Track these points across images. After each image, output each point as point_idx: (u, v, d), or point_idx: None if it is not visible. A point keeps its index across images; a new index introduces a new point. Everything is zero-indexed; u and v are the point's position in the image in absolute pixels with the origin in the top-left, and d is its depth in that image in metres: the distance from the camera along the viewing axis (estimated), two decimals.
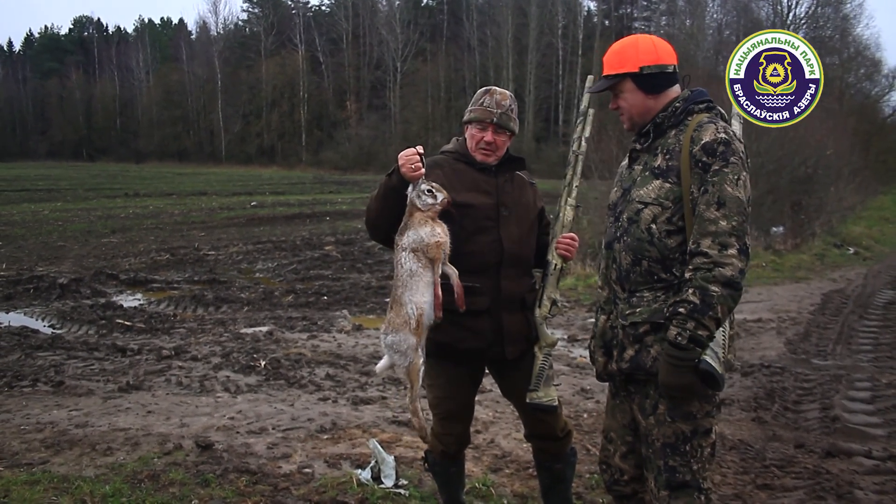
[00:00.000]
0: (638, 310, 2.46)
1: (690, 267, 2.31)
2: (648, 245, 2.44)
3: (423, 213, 2.74)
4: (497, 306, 2.95)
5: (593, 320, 2.73)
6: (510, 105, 3.01)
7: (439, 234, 2.73)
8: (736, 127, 2.48)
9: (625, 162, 2.71)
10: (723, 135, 2.36)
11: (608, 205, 2.68)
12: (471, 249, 2.91)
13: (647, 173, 2.49)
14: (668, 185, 2.42)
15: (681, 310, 2.29)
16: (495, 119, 2.96)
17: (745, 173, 2.35)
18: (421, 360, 2.79)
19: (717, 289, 2.26)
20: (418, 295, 2.74)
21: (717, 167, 2.33)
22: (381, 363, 2.90)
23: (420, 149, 2.78)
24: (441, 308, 2.75)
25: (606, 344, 2.60)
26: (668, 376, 2.33)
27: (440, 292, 2.74)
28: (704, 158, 2.34)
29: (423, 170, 2.74)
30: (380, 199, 2.86)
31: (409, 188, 2.76)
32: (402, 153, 2.77)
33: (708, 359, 2.30)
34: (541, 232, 3.12)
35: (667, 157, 2.45)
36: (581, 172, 3.04)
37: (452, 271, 2.78)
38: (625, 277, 2.51)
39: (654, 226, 2.43)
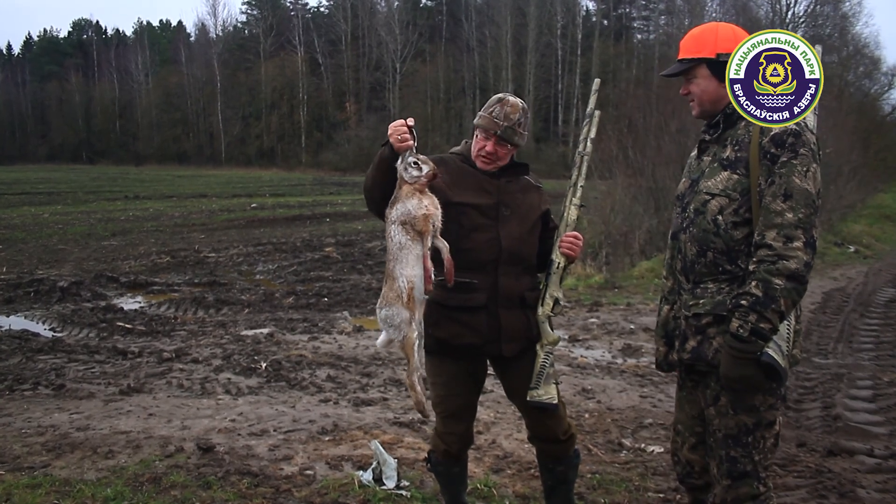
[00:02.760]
0: (702, 301, 2.45)
1: (754, 259, 2.30)
2: (714, 236, 2.43)
3: (411, 186, 2.72)
4: (494, 303, 2.96)
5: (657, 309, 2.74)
6: (519, 119, 2.97)
7: (427, 206, 2.70)
8: (810, 119, 2.46)
9: (694, 153, 2.70)
10: (793, 126, 2.35)
11: (676, 196, 2.68)
12: (468, 246, 2.92)
13: (715, 164, 2.48)
14: (736, 176, 2.40)
15: (743, 302, 2.29)
16: (499, 132, 2.95)
17: (815, 165, 2.33)
18: (415, 334, 2.76)
19: (780, 282, 2.25)
20: (409, 268, 2.72)
21: (785, 158, 2.31)
22: (381, 338, 2.87)
23: (410, 121, 2.75)
24: (431, 281, 2.72)
25: (668, 334, 2.61)
26: (729, 368, 2.32)
27: (430, 265, 2.72)
28: (773, 150, 2.33)
29: (410, 141, 2.70)
30: (374, 169, 2.85)
31: (398, 160, 2.73)
32: (391, 124, 2.75)
33: (770, 352, 2.28)
34: (546, 235, 3.11)
35: (736, 148, 2.44)
36: (586, 173, 3.06)
37: (443, 245, 2.76)
38: (689, 268, 2.51)
39: (720, 217, 2.42)
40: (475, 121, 3.04)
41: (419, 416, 4.91)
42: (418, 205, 2.70)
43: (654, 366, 2.90)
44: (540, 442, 3.19)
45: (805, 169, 2.30)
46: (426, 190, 2.73)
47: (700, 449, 2.67)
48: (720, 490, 2.50)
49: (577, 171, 3.05)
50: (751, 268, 2.31)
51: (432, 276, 2.73)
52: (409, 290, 2.73)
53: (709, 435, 2.54)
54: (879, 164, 30.61)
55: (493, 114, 2.96)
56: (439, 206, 2.76)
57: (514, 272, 3.00)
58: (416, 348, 2.77)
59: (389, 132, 2.73)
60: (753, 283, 2.28)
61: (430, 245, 2.72)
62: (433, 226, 2.71)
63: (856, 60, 40.32)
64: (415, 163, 2.70)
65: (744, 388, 2.36)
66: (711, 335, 2.43)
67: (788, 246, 2.25)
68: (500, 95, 3.05)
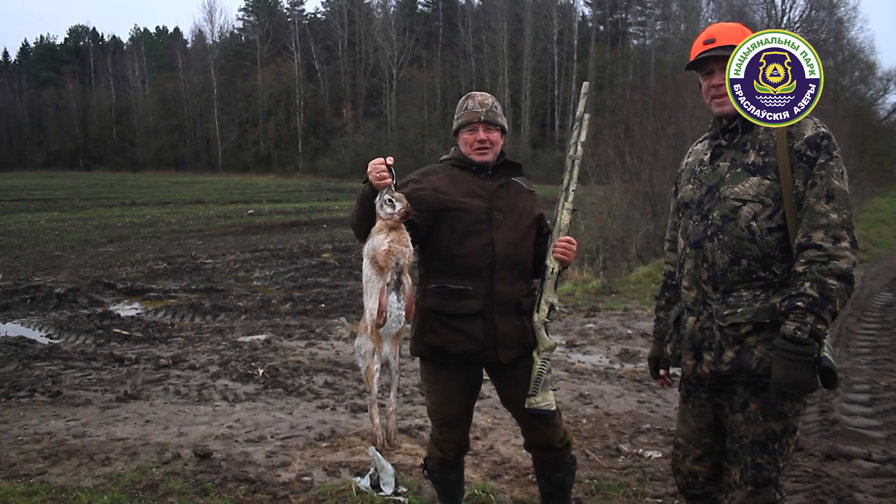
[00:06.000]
0: (739, 310, 2.40)
1: (803, 260, 2.28)
2: (749, 243, 2.39)
3: (382, 222, 2.78)
4: (490, 309, 2.95)
5: (677, 322, 2.66)
6: (493, 103, 3.07)
7: (389, 242, 2.75)
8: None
9: (690, 158, 2.67)
10: (823, 129, 2.36)
11: (684, 203, 2.62)
12: (462, 252, 2.93)
13: (738, 170, 2.44)
14: (767, 181, 2.38)
15: (799, 304, 2.25)
16: (482, 117, 3.01)
17: (844, 167, 2.35)
18: (377, 367, 2.85)
19: (834, 282, 2.23)
20: (371, 301, 2.80)
21: (822, 160, 2.31)
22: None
23: (389, 159, 2.80)
24: (382, 316, 2.77)
25: (696, 346, 2.53)
26: (785, 373, 2.27)
27: (384, 299, 2.76)
28: (809, 153, 2.33)
29: (388, 179, 2.76)
30: (357, 206, 2.91)
31: (377, 197, 2.79)
32: (371, 162, 2.81)
33: (827, 355, 2.27)
34: (540, 240, 3.11)
35: (761, 153, 2.41)
36: (578, 177, 3.05)
37: (407, 282, 2.81)
38: (720, 277, 2.45)
39: (754, 223, 2.38)
40: (454, 127, 3.11)
41: (418, 422, 4.93)
42: (382, 241, 2.76)
43: (673, 379, 2.85)
44: (536, 450, 3.18)
45: (840, 171, 2.32)
46: (399, 227, 2.78)
47: (706, 459, 2.64)
48: (740, 495, 2.47)
49: (568, 176, 3.05)
50: (799, 269, 2.28)
51: (385, 310, 2.76)
52: (373, 323, 2.80)
53: (732, 441, 2.50)
54: (875, 169, 30.78)
55: (468, 107, 3.06)
56: (409, 244, 2.79)
57: (509, 278, 2.99)
58: (375, 380, 2.86)
59: (369, 170, 2.78)
60: (808, 285, 2.25)
61: (390, 280, 2.76)
62: (396, 262, 2.75)
63: (851, 65, 40.51)
64: (389, 200, 2.76)
65: (798, 392, 2.31)
66: (751, 344, 2.38)
67: (837, 246, 2.25)
68: (464, 96, 3.16)
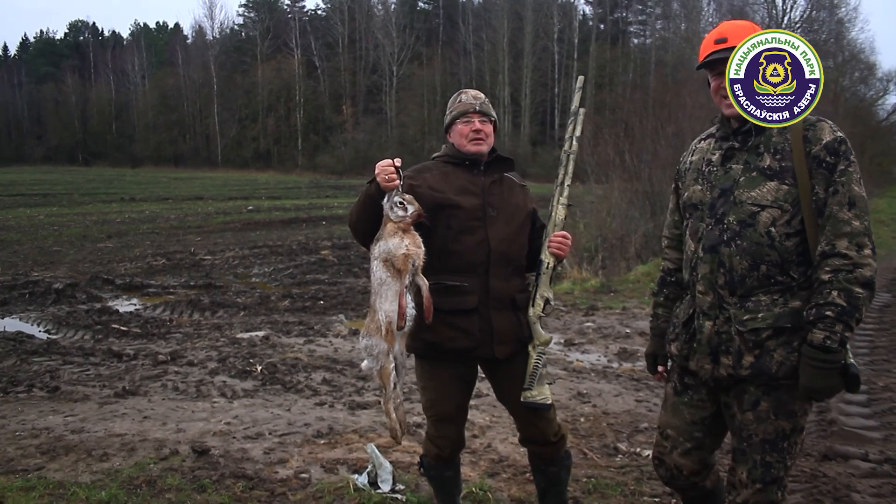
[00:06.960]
0: (760, 315, 2.39)
1: (828, 268, 2.29)
2: (769, 249, 2.38)
3: (395, 225, 2.80)
4: (486, 305, 2.97)
5: (688, 324, 2.62)
6: (485, 98, 3.13)
7: (407, 245, 2.78)
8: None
9: (695, 157, 2.64)
10: (840, 133, 2.36)
11: (692, 203, 2.59)
12: (458, 249, 2.95)
13: (754, 174, 2.42)
14: (785, 186, 2.37)
15: (828, 313, 2.26)
16: (477, 108, 3.05)
17: (860, 171, 2.37)
18: (392, 365, 2.87)
19: (860, 290, 2.25)
20: (387, 303, 2.82)
21: (842, 167, 2.32)
22: (364, 364, 3.01)
23: (397, 161, 2.82)
24: (404, 318, 2.80)
25: (714, 350, 2.52)
26: (814, 380, 2.29)
27: (405, 302, 2.79)
28: (829, 158, 2.33)
29: (397, 181, 2.78)
30: (359, 205, 2.93)
31: (384, 199, 2.81)
32: (378, 164, 2.83)
33: (853, 361, 2.30)
34: (534, 235, 3.12)
35: (777, 157, 2.39)
36: (573, 172, 3.06)
37: (423, 283, 2.83)
38: (738, 282, 2.43)
39: (773, 229, 2.38)
40: (448, 119, 3.13)
41: (415, 419, 4.93)
42: (399, 244, 2.78)
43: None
44: (531, 444, 3.19)
45: (858, 176, 2.34)
46: (410, 229, 2.80)
47: (694, 454, 2.65)
48: (745, 493, 2.48)
49: (563, 170, 3.05)
50: (825, 277, 2.28)
51: (406, 313, 2.80)
52: (388, 324, 2.83)
53: (740, 440, 2.50)
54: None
55: (462, 100, 3.10)
56: (421, 245, 2.82)
57: (504, 274, 3.01)
58: (392, 378, 2.88)
59: (377, 171, 2.80)
60: (835, 293, 2.26)
61: (407, 283, 2.79)
62: (413, 264, 2.78)
63: (851, 66, 40.51)
64: (400, 202, 2.78)
65: (825, 396, 2.36)
66: (771, 348, 2.38)
67: (861, 254, 2.27)
68: (455, 94, 3.20)
